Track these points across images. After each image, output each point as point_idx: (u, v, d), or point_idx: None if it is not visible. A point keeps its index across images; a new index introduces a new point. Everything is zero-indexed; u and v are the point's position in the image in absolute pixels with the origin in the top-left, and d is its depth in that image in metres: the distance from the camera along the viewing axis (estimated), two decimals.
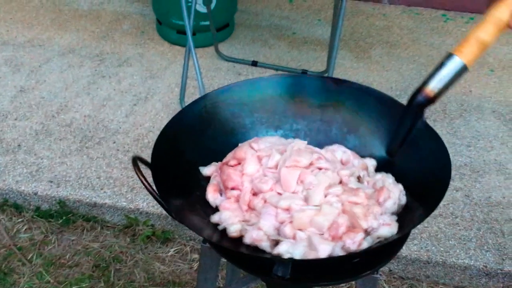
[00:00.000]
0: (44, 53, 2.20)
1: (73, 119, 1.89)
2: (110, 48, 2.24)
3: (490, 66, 2.17)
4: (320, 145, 0.77)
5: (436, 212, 1.60)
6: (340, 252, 0.62)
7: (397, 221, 0.67)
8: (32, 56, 2.17)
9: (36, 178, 1.67)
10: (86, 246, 1.59)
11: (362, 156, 0.76)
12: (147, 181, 0.65)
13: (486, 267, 1.48)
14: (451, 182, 1.71)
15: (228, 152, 0.77)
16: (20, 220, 1.64)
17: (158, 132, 1.81)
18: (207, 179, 0.75)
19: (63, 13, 2.44)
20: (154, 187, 0.68)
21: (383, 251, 0.66)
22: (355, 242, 0.63)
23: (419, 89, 0.71)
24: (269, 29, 2.38)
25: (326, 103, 0.79)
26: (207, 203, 0.72)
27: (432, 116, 1.93)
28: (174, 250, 1.59)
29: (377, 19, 2.46)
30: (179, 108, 1.94)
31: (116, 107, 1.96)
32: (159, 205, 1.62)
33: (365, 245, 0.63)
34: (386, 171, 0.74)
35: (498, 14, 0.69)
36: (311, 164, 0.69)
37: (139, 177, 0.64)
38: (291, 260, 0.60)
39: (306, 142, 0.75)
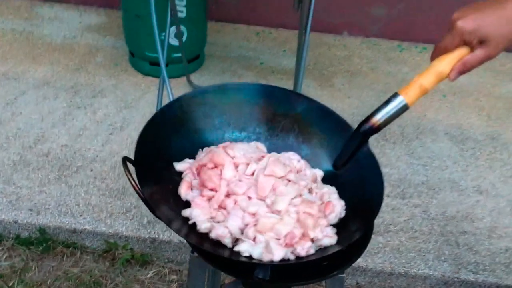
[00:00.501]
0: (19, 85, 2.26)
1: (50, 149, 1.95)
2: (84, 80, 2.32)
3: (443, 92, 2.36)
4: (278, 150, 0.88)
5: (397, 227, 1.75)
6: (291, 257, 0.73)
7: (336, 232, 0.78)
8: (7, 89, 2.23)
9: (16, 207, 1.72)
10: (66, 272, 1.64)
11: (312, 166, 0.87)
12: (131, 177, 0.73)
13: (444, 276, 1.60)
14: (410, 199, 1.87)
15: (199, 149, 0.87)
16: (0, 248, 1.68)
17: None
18: (179, 173, 0.84)
19: (37, 47, 2.51)
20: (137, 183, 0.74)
21: (345, 256, 0.77)
22: (304, 249, 0.74)
23: (367, 119, 0.83)
24: (238, 60, 2.51)
25: (287, 113, 0.90)
26: (178, 196, 0.81)
27: (391, 138, 2.09)
28: (153, 272, 1.66)
29: (338, 50, 2.62)
30: None
31: (92, 136, 2.03)
32: (137, 230, 1.70)
33: (311, 251, 0.74)
34: (331, 183, 0.85)
35: (441, 68, 0.82)
36: (284, 175, 0.80)
37: (126, 174, 0.72)
38: (271, 263, 0.70)
39: (279, 154, 0.86)
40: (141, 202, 1.73)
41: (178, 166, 0.85)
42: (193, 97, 0.90)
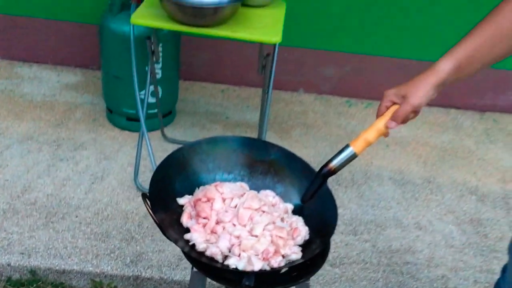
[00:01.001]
0: (4, 140, 2.44)
1: (37, 198, 2.13)
2: (65, 134, 2.52)
3: (386, 143, 2.70)
4: (258, 188, 1.13)
5: (350, 259, 2.01)
6: (267, 268, 0.98)
7: (302, 250, 1.03)
8: None
9: (8, 251, 1.89)
10: None
11: (285, 201, 1.13)
12: (148, 208, 0.97)
13: None
14: (361, 235, 2.14)
15: (196, 187, 1.11)
16: None
17: (116, 206, 2.13)
18: (181, 206, 1.08)
19: (19, 104, 2.70)
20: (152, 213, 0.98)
21: (309, 268, 1.02)
22: (277, 262, 0.99)
23: (326, 164, 1.10)
24: (206, 115, 2.79)
25: (265, 159, 1.16)
26: (180, 223, 1.05)
27: (343, 183, 2.38)
28: None
29: (295, 105, 2.95)
30: (133, 185, 2.25)
31: (76, 186, 2.22)
32: (121, 269, 1.90)
33: (282, 264, 0.99)
34: (299, 214, 1.11)
35: (379, 125, 1.11)
36: (258, 208, 1.05)
37: (145, 206, 0.97)
38: (255, 272, 0.94)
39: (257, 192, 1.11)
40: (124, 244, 1.94)
41: (180, 200, 1.09)
42: (191, 147, 1.15)
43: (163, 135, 2.54)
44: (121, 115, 2.57)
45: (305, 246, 1.03)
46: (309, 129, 2.75)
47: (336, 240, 2.08)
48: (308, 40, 2.93)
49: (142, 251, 1.96)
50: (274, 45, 1.89)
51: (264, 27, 1.90)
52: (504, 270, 1.28)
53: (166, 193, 1.07)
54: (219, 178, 1.13)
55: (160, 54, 2.34)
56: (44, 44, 3.06)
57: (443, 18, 2.82)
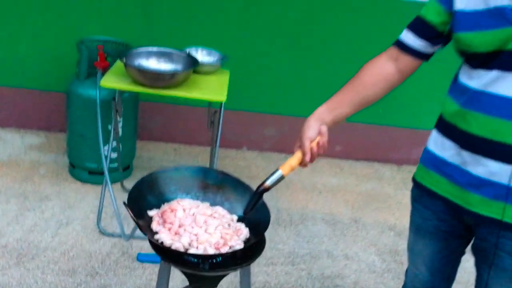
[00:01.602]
0: None
1: (7, 242, 2.35)
2: (31, 188, 2.77)
3: (319, 189, 3.11)
4: (211, 205, 1.47)
5: (289, 285, 2.33)
6: (226, 250, 1.29)
7: (244, 243, 1.37)
8: None
9: None
10: None
11: (231, 213, 1.47)
12: (131, 214, 1.28)
13: None
14: (298, 265, 2.48)
15: (162, 204, 1.43)
16: None
17: (80, 247, 2.41)
18: (150, 217, 1.39)
19: None
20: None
21: (250, 255, 1.36)
22: (225, 250, 1.31)
23: (261, 184, 1.44)
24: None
25: (215, 183, 1.51)
26: (151, 229, 1.36)
27: (282, 224, 2.74)
28: None
29: (240, 161, 3.34)
30: (96, 229, 2.51)
31: (43, 231, 2.46)
32: None
33: (229, 251, 1.32)
34: (242, 221, 1.45)
35: (299, 155, 1.46)
36: (211, 214, 1.39)
37: (127, 210, 1.28)
38: (209, 257, 1.26)
39: (209, 203, 1.45)
40: (89, 278, 2.19)
41: (150, 212, 1.41)
42: (158, 173, 1.49)
43: (122, 186, 2.84)
44: (83, 170, 2.85)
45: (246, 242, 1.37)
46: (252, 180, 3.06)
47: (277, 270, 2.40)
48: (251, 104, 3.38)
49: (106, 284, 2.20)
50: (221, 103, 2.30)
51: (212, 89, 2.32)
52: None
53: (139, 206, 1.39)
54: (180, 197, 1.47)
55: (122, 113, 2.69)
56: (10, 110, 3.34)
57: None
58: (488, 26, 1.22)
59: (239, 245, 1.34)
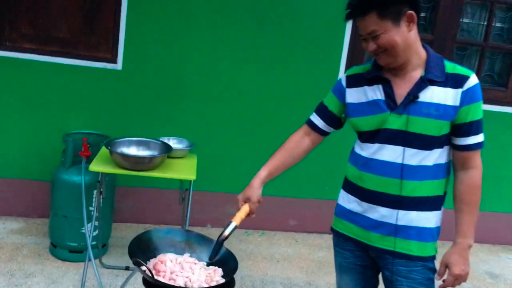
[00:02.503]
0: None
1: None
2: (16, 267, 3.04)
3: (277, 258, 3.50)
4: (183, 254, 1.84)
5: None
6: (214, 284, 1.68)
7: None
8: None
9: None
10: None
11: (199, 261, 1.85)
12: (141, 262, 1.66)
13: None
14: None
15: (152, 258, 1.78)
16: None
17: None
18: (144, 270, 1.75)
19: None
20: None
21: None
22: (214, 283, 1.69)
23: (220, 234, 1.84)
24: None
25: (185, 239, 1.88)
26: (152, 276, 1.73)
27: None
28: None
29: None
30: None
31: None
32: None
33: (218, 284, 1.69)
34: (214, 265, 1.84)
35: (246, 208, 1.90)
36: (192, 261, 1.78)
37: (134, 263, 1.66)
38: None
39: (189, 255, 1.84)
40: None
41: (142, 267, 1.79)
42: (146, 233, 1.89)
43: (101, 262, 3.15)
44: (64, 249, 3.16)
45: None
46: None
47: None
48: (214, 186, 3.82)
49: None
50: (190, 181, 2.74)
51: (183, 170, 2.77)
52: None
53: (138, 257, 1.78)
54: (165, 251, 1.85)
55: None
56: None
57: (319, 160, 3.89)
58: (369, 113, 1.77)
59: (221, 279, 1.74)
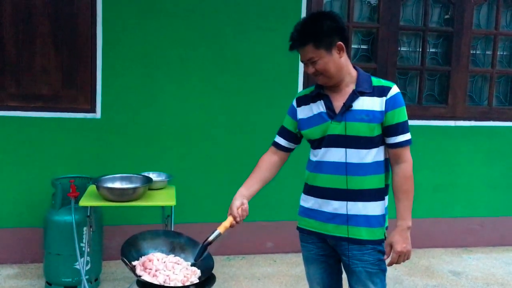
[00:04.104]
0: None
1: None
2: None
3: (258, 277, 3.78)
4: (172, 254, 2.15)
5: None
6: (189, 283, 1.98)
7: (199, 279, 2.06)
8: None
9: None
10: None
11: (186, 261, 2.16)
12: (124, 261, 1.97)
13: None
14: None
15: (140, 257, 2.09)
16: None
17: None
18: (134, 266, 2.05)
19: None
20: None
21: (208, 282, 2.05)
22: (193, 282, 2.01)
23: (205, 239, 2.16)
24: (124, 279, 3.69)
25: (174, 239, 2.21)
26: (136, 273, 2.02)
27: None
28: None
29: None
30: None
31: None
32: None
33: (190, 284, 2.01)
34: (195, 266, 2.15)
35: (231, 219, 2.22)
36: (175, 262, 2.09)
37: (122, 260, 1.97)
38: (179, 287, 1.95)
39: (174, 255, 2.15)
40: None
41: (134, 263, 2.09)
42: (139, 235, 2.20)
43: None
44: (59, 285, 3.40)
45: (200, 279, 2.07)
46: None
47: None
48: (193, 217, 4.12)
49: None
50: (171, 207, 3.06)
51: (164, 199, 3.10)
52: None
53: (128, 257, 2.09)
54: (152, 251, 2.16)
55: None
56: None
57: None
58: (315, 124, 2.17)
59: (196, 280, 2.05)
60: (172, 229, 3.16)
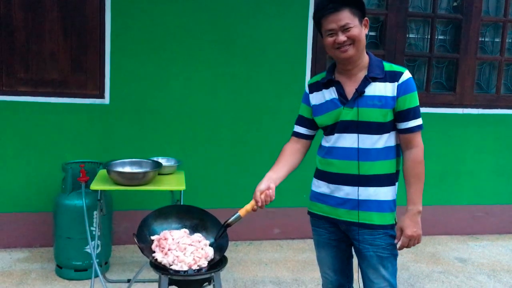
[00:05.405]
0: None
1: None
2: None
3: (265, 262, 3.82)
4: (192, 233, 2.18)
5: None
6: (196, 267, 2.02)
7: (208, 262, 2.09)
8: None
9: None
10: None
11: (207, 239, 2.19)
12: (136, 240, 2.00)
13: None
14: None
15: (157, 234, 2.12)
16: None
17: None
18: (152, 240, 2.10)
19: None
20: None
21: (217, 268, 2.07)
22: (200, 266, 2.03)
23: (226, 221, 2.18)
24: (132, 264, 3.73)
25: (197, 216, 2.23)
26: (151, 249, 2.06)
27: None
28: None
29: None
30: None
31: None
32: None
33: (203, 266, 2.05)
34: (211, 246, 2.18)
35: (252, 203, 2.21)
36: (190, 244, 2.11)
37: (135, 239, 2.00)
38: (183, 271, 1.97)
39: (192, 233, 2.18)
40: None
41: (153, 237, 2.12)
42: (157, 211, 2.22)
43: (105, 278, 3.43)
44: (70, 268, 3.44)
45: (210, 262, 2.09)
46: None
47: None
48: (202, 202, 4.14)
49: None
50: (180, 192, 3.09)
51: (173, 183, 3.12)
52: None
53: (144, 233, 2.12)
54: (169, 228, 2.19)
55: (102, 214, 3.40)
56: None
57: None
58: (327, 110, 2.17)
59: (204, 263, 2.07)
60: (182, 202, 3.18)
